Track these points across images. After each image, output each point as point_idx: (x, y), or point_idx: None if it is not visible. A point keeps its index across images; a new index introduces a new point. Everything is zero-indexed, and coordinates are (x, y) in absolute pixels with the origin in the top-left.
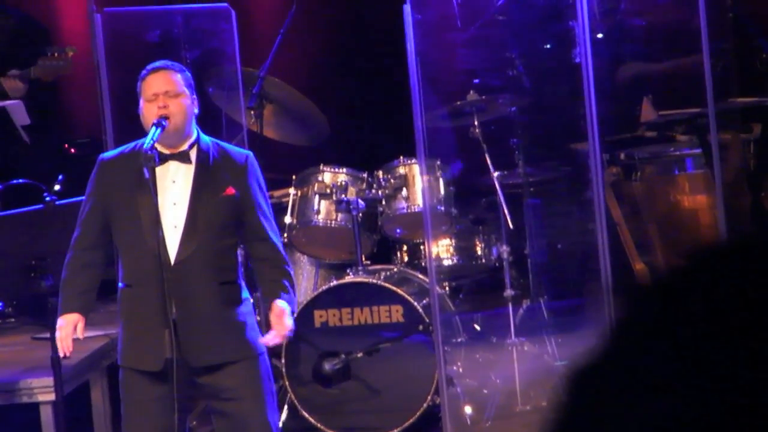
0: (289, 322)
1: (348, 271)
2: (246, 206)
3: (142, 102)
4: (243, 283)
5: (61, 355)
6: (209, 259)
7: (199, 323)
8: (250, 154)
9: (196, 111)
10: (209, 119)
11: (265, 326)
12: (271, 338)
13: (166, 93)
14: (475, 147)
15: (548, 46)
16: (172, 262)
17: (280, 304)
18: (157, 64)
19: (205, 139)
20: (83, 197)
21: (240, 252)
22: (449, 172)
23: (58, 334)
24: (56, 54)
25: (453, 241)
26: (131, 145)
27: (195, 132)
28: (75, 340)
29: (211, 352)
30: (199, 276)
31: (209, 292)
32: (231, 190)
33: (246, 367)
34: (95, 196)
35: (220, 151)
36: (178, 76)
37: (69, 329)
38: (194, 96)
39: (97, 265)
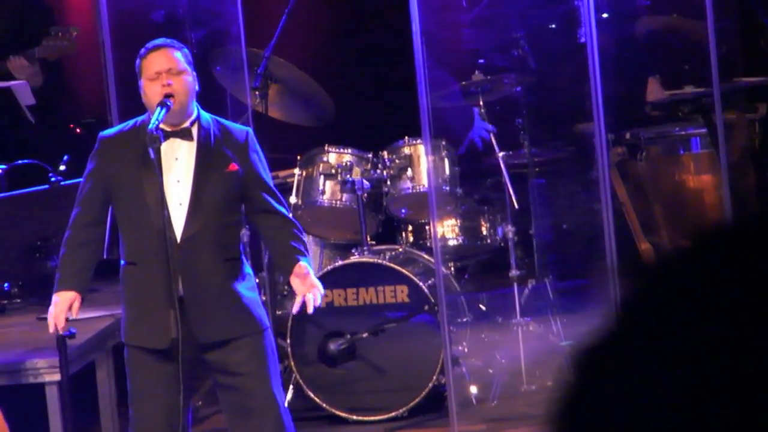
0: (316, 281)
1: (353, 251)
2: (250, 182)
3: (143, 81)
4: (245, 259)
5: (51, 330)
6: (215, 235)
7: (206, 300)
8: (250, 130)
9: (197, 88)
10: (214, 100)
11: (271, 306)
12: (308, 303)
13: (168, 71)
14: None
15: (553, 25)
16: (179, 239)
17: (303, 265)
18: (157, 42)
19: (205, 116)
20: (83, 175)
21: (245, 232)
22: (461, 148)
23: (52, 310)
24: (60, 34)
25: (458, 221)
26: (131, 122)
27: (196, 109)
28: (79, 320)
29: (219, 329)
30: (205, 253)
31: (215, 269)
32: (234, 167)
33: (251, 343)
34: (96, 174)
35: (221, 128)
36: (179, 54)
37: (64, 306)
38: (195, 73)
39: (96, 242)
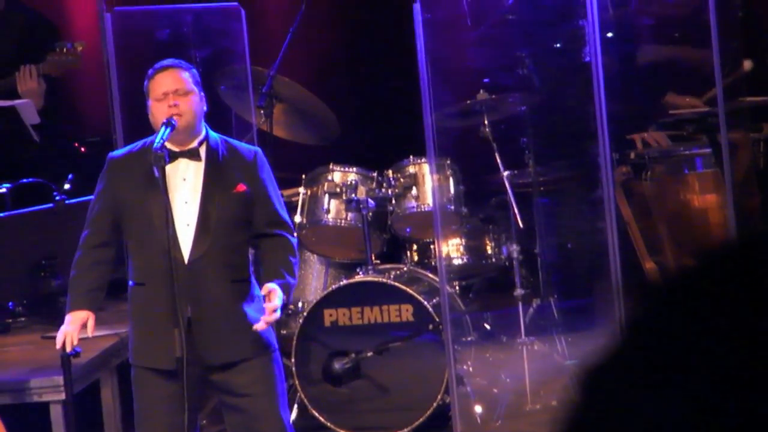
0: (274, 303)
1: (358, 270)
2: (258, 202)
3: (150, 101)
4: (255, 281)
5: (58, 346)
6: (222, 256)
7: (213, 321)
8: (259, 150)
9: (204, 108)
10: (219, 118)
11: (275, 325)
12: (260, 323)
13: (175, 92)
14: (485, 146)
15: (558, 45)
16: (186, 260)
17: (268, 286)
18: (165, 62)
19: (214, 135)
20: (93, 196)
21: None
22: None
23: (66, 329)
24: (65, 49)
25: (463, 240)
26: (140, 143)
27: (204, 129)
28: (84, 339)
29: (227, 350)
30: (212, 274)
31: (223, 290)
32: (242, 187)
33: (259, 364)
34: (105, 195)
35: (229, 148)
36: (186, 74)
37: (77, 325)
38: (202, 93)
39: (106, 263)
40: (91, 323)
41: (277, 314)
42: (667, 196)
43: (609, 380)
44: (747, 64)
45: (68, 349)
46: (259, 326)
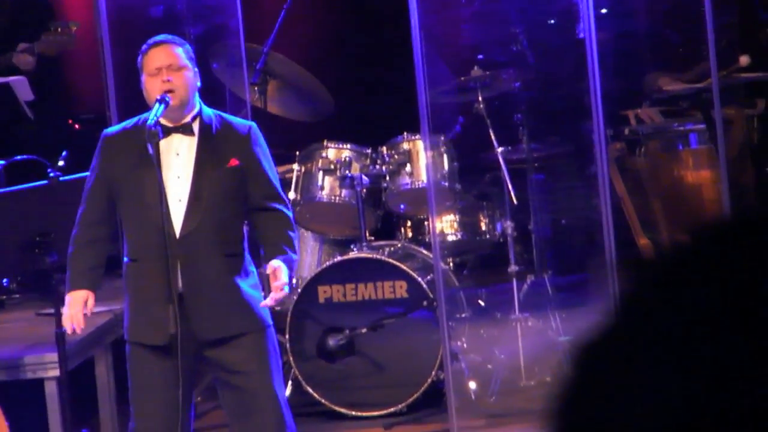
0: (282, 279)
1: (352, 246)
2: (252, 176)
3: (144, 77)
4: (248, 256)
5: (69, 332)
6: (214, 231)
7: (206, 296)
8: (253, 124)
9: (198, 84)
10: (213, 95)
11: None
12: (268, 300)
13: (169, 67)
14: (479, 122)
15: (552, 21)
16: (178, 235)
17: (270, 265)
18: (158, 38)
19: (208, 111)
20: (88, 173)
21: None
22: (452, 132)
23: (67, 311)
24: (59, 29)
25: (457, 216)
26: (134, 120)
27: (198, 104)
28: (84, 316)
29: (219, 326)
30: (204, 248)
31: (215, 265)
32: (235, 162)
33: (253, 340)
34: (99, 172)
35: (223, 123)
36: (180, 50)
37: (79, 305)
38: (196, 68)
39: (103, 240)
40: (90, 302)
41: (286, 291)
42: (661, 172)
43: (603, 356)
44: (744, 60)
45: (78, 331)
46: (267, 303)
